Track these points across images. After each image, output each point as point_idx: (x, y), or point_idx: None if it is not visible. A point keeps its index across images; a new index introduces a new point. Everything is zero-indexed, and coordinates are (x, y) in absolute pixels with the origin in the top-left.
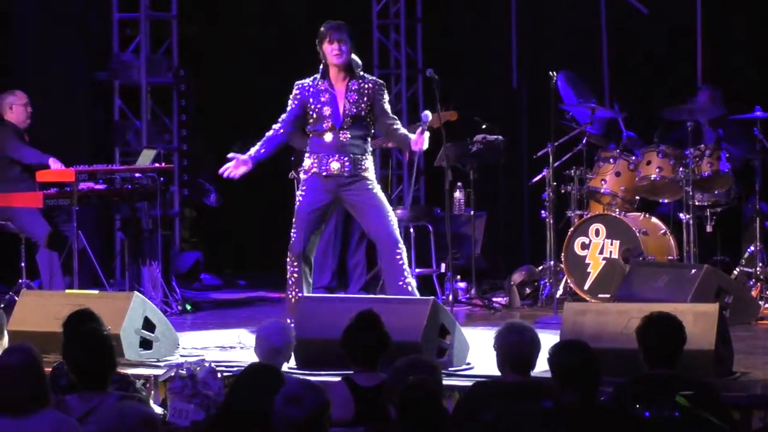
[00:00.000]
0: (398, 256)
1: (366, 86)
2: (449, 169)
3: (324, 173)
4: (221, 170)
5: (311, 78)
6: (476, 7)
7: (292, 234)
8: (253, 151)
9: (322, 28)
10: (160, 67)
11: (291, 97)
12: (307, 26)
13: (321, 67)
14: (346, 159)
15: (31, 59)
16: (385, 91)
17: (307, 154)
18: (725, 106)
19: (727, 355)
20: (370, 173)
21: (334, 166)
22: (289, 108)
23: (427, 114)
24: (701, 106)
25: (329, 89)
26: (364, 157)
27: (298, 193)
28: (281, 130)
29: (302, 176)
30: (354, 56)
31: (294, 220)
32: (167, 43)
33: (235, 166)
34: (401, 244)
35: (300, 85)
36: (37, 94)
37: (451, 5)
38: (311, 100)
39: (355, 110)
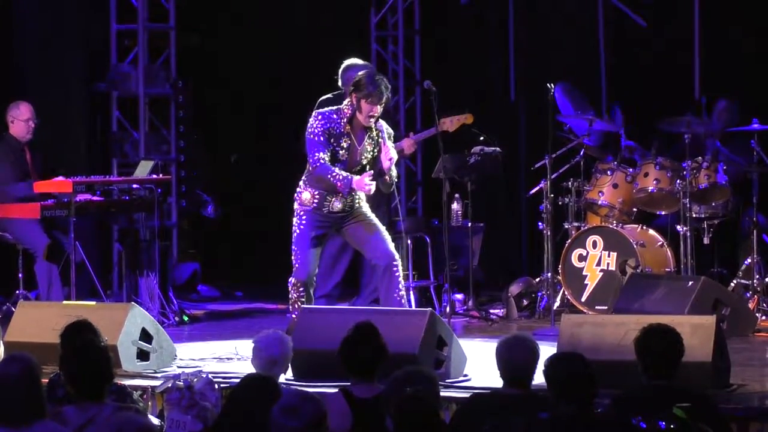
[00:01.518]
0: (395, 269)
1: (377, 135)
2: (447, 181)
3: (325, 211)
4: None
5: (334, 110)
6: (474, 18)
7: (294, 262)
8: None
9: (363, 80)
10: (158, 78)
11: (315, 127)
12: (305, 38)
13: (349, 110)
14: (348, 199)
15: (31, 70)
16: (390, 138)
17: (302, 185)
18: (739, 118)
19: (724, 367)
20: (362, 196)
21: (338, 206)
22: (318, 141)
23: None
24: (717, 117)
25: (351, 137)
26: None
27: (297, 222)
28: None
29: (296, 206)
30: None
31: (294, 248)
32: (165, 54)
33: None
34: (398, 257)
35: (323, 115)
36: (37, 104)
37: (449, 17)
38: (332, 139)
39: (365, 160)
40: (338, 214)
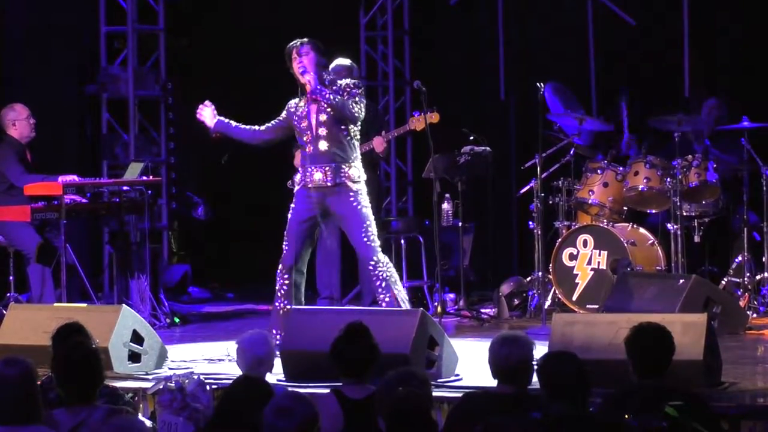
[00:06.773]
0: (372, 269)
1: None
2: (437, 181)
3: (309, 184)
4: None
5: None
6: (464, 18)
7: (284, 246)
8: (229, 120)
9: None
10: (147, 80)
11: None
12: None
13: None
14: (327, 168)
15: (21, 72)
16: (356, 90)
17: (299, 169)
18: (726, 118)
19: (715, 366)
20: (354, 182)
21: (317, 176)
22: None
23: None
24: (707, 115)
25: (303, 102)
26: (346, 164)
27: (290, 207)
28: (261, 128)
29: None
30: (342, 60)
31: (285, 232)
32: (155, 56)
33: (207, 112)
34: (376, 257)
35: (288, 104)
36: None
37: (439, 17)
38: (294, 117)
39: (326, 116)
40: (320, 187)
